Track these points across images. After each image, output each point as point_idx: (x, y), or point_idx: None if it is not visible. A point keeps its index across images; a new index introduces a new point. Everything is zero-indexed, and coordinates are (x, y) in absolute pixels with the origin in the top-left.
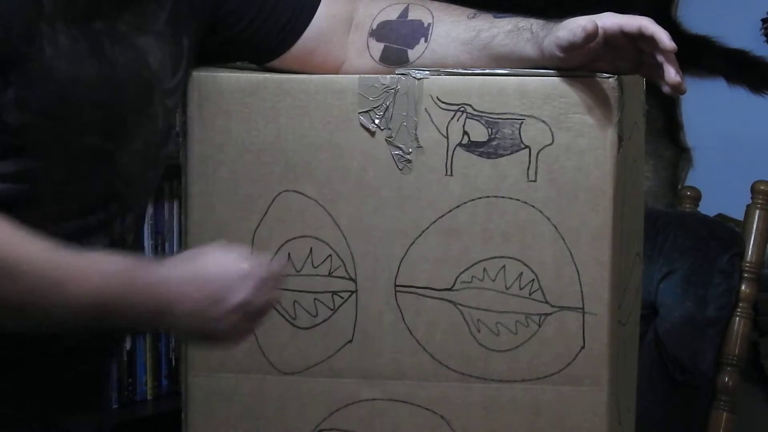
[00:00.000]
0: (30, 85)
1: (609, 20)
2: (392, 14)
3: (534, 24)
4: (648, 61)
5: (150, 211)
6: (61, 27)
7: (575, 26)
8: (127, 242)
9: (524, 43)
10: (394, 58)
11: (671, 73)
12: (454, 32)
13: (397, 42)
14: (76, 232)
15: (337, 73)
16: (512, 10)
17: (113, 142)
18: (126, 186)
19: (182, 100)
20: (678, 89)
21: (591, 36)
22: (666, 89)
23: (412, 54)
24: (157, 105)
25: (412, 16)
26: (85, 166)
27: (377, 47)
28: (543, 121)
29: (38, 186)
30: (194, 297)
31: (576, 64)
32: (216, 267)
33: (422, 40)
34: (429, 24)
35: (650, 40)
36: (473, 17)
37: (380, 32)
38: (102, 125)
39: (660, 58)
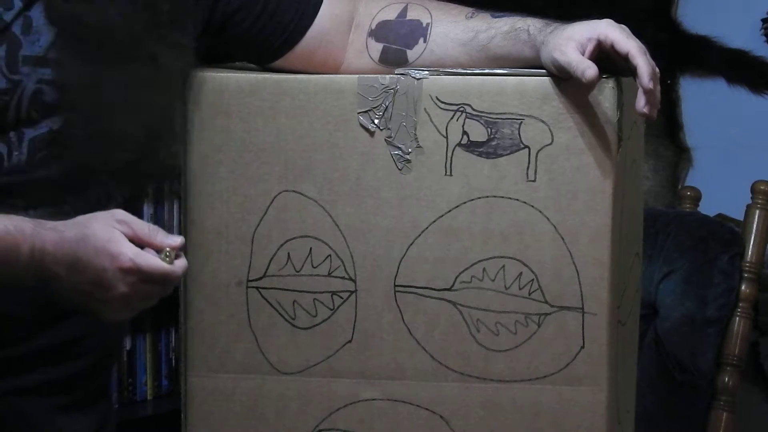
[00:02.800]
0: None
1: (604, 32)
2: (391, 14)
3: (531, 25)
4: None
5: (150, 211)
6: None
7: (574, 59)
8: None
9: (521, 45)
10: (393, 59)
11: (640, 104)
12: (453, 33)
13: (396, 42)
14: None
15: (336, 73)
16: (512, 8)
17: (86, 127)
18: (106, 172)
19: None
20: (643, 116)
21: (589, 82)
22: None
23: (411, 54)
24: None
25: (410, 15)
26: (57, 154)
27: (376, 47)
28: (542, 121)
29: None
30: (76, 280)
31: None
32: (98, 258)
33: (421, 40)
34: (428, 24)
35: (634, 70)
36: (471, 17)
37: (379, 32)
38: (86, 114)
39: (639, 83)
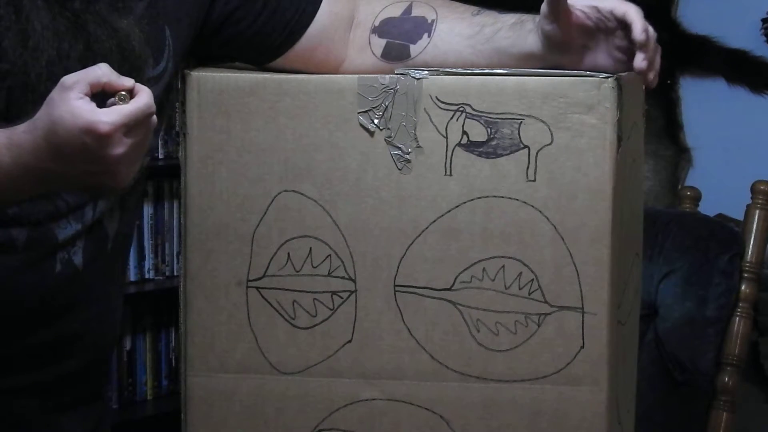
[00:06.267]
0: (16, 56)
1: (602, 3)
2: (395, 11)
3: (537, 17)
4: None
5: (150, 211)
6: (40, 2)
7: None
8: (107, 232)
9: (526, 33)
10: (395, 54)
11: (638, 59)
12: (458, 28)
13: (399, 38)
14: (44, 217)
15: (337, 72)
16: (514, 8)
17: None
18: None
19: (181, 99)
20: (644, 76)
21: None
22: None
23: (414, 49)
24: None
25: (415, 13)
26: None
27: (379, 44)
28: (542, 121)
29: None
30: (69, 167)
31: (573, 51)
32: (74, 138)
33: (425, 35)
34: (433, 20)
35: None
36: (477, 14)
37: (383, 29)
38: None
39: (638, 43)
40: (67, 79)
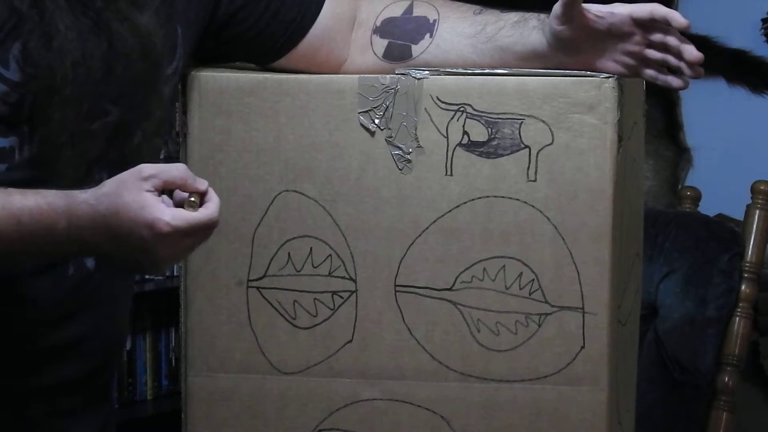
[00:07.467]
0: (41, 59)
1: (618, 8)
2: (397, 11)
3: (541, 15)
4: (654, 58)
5: None
6: (62, 2)
7: None
8: None
9: (530, 31)
10: (397, 54)
11: (691, 51)
12: (460, 27)
13: (401, 38)
14: None
15: (338, 72)
16: (518, 9)
17: (99, 120)
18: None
19: (182, 99)
20: (696, 65)
21: None
22: (675, 83)
23: (416, 49)
24: (162, 88)
25: (417, 12)
26: (69, 148)
27: (381, 44)
28: (543, 121)
29: (32, 168)
30: (119, 250)
31: (580, 52)
32: (136, 228)
33: (427, 35)
34: (435, 20)
35: (662, 23)
36: (479, 13)
37: (384, 29)
38: (100, 107)
39: (674, 41)
40: (146, 168)
